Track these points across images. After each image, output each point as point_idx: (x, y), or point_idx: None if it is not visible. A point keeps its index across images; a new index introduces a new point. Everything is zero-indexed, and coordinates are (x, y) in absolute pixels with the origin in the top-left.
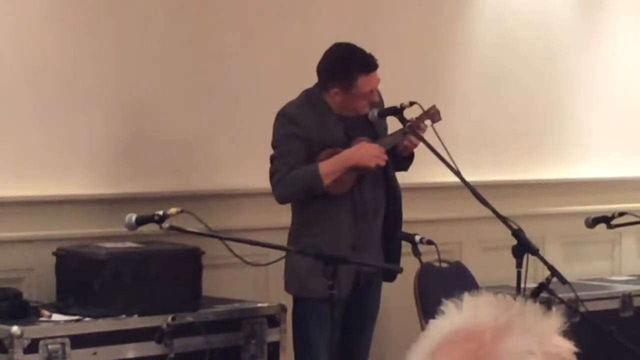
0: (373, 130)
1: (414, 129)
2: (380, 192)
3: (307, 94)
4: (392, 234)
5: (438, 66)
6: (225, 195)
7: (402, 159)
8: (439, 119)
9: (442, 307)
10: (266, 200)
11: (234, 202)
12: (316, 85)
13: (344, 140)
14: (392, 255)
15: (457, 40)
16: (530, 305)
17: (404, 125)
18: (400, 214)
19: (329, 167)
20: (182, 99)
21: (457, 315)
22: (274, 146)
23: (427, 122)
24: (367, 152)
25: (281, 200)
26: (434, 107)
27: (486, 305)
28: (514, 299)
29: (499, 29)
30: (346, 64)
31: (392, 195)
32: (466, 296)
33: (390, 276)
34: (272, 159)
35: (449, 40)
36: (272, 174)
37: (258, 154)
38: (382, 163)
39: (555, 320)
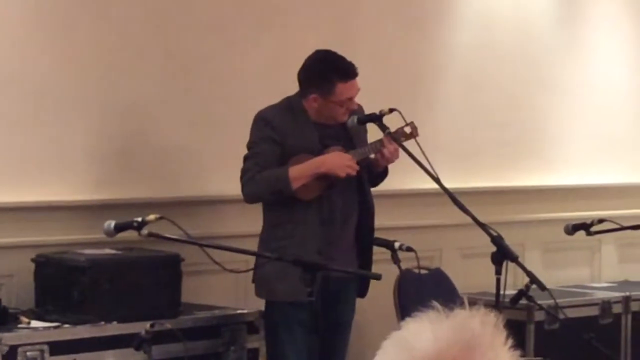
0: (350, 141)
1: (393, 138)
2: (351, 200)
3: (287, 100)
4: (363, 245)
5: (419, 73)
6: (205, 201)
7: (375, 174)
8: (417, 134)
9: (402, 329)
10: (246, 207)
11: (214, 208)
12: (297, 92)
13: (318, 148)
14: (363, 266)
15: (438, 47)
16: (489, 323)
17: (384, 131)
18: (371, 226)
19: (299, 172)
20: (163, 107)
21: (417, 342)
22: (248, 147)
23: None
24: (338, 161)
25: (248, 199)
26: (411, 123)
27: (445, 330)
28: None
29: (480, 35)
30: (325, 70)
31: (365, 206)
32: (427, 315)
33: (362, 292)
34: (245, 159)
35: (430, 46)
36: (243, 173)
37: (238, 160)
38: (353, 173)
39: (505, 336)
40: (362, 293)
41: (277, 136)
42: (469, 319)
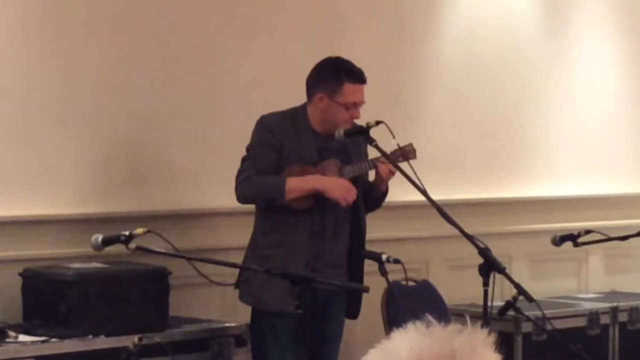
0: (347, 157)
1: (388, 159)
2: (343, 217)
3: (292, 109)
4: (353, 263)
5: (405, 85)
6: (193, 215)
7: (374, 198)
8: (414, 157)
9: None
10: (234, 220)
11: (201, 222)
12: (304, 103)
13: (315, 159)
14: (354, 280)
15: (424, 59)
16: (477, 334)
17: (370, 143)
18: (362, 244)
19: (295, 185)
20: (148, 120)
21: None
22: (247, 149)
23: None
24: (340, 189)
25: (241, 199)
26: (410, 145)
27: (432, 337)
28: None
29: (465, 48)
30: (336, 69)
31: (357, 224)
32: (412, 328)
33: (354, 313)
34: (243, 160)
35: (416, 59)
36: (239, 173)
37: (226, 173)
38: (349, 204)
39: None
40: (354, 314)
41: (276, 142)
42: (455, 333)
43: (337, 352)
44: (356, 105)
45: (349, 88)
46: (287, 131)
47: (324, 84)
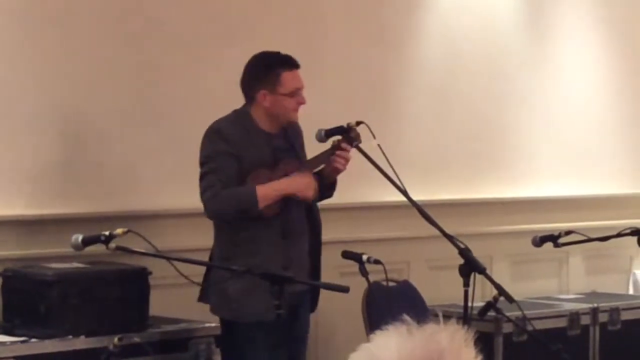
0: (295, 152)
1: (339, 146)
2: (302, 214)
3: (235, 113)
4: (314, 260)
5: (387, 86)
6: (172, 215)
7: (327, 185)
8: (360, 141)
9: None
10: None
11: (181, 222)
12: (244, 105)
13: (270, 160)
14: (314, 278)
15: (406, 60)
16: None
17: (351, 144)
18: (320, 240)
19: (266, 193)
20: (127, 120)
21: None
22: (203, 162)
23: (346, 146)
24: (307, 185)
25: (213, 216)
26: (354, 130)
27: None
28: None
29: (448, 49)
30: (268, 63)
31: (313, 221)
32: (395, 329)
33: (312, 307)
34: (204, 175)
35: (398, 59)
36: (205, 189)
37: None
38: (316, 193)
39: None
40: (312, 307)
41: (233, 150)
42: (437, 333)
43: (305, 352)
44: (299, 90)
45: (287, 76)
46: (240, 137)
47: (262, 81)
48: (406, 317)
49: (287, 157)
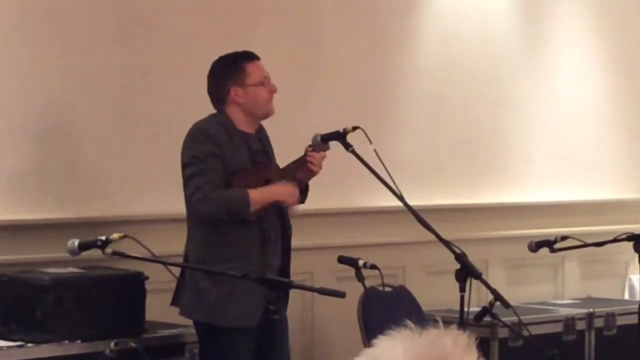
0: (267, 153)
1: (311, 151)
2: (276, 220)
3: (214, 115)
4: (284, 264)
5: (382, 90)
6: (169, 220)
7: (301, 190)
8: (328, 147)
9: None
10: None
11: (178, 227)
12: (217, 109)
13: (249, 162)
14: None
15: (402, 65)
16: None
17: (347, 149)
18: (290, 239)
19: (257, 199)
20: (124, 125)
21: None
22: (189, 162)
23: (312, 151)
24: (293, 193)
25: (205, 218)
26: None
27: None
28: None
29: (444, 53)
30: (229, 61)
31: (284, 220)
32: (399, 334)
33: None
34: (191, 176)
35: (394, 64)
36: (195, 190)
37: None
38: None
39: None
40: (285, 308)
41: (219, 152)
42: (441, 337)
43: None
44: (267, 79)
45: (251, 67)
46: (224, 138)
47: (229, 79)
48: (409, 322)
49: (262, 159)
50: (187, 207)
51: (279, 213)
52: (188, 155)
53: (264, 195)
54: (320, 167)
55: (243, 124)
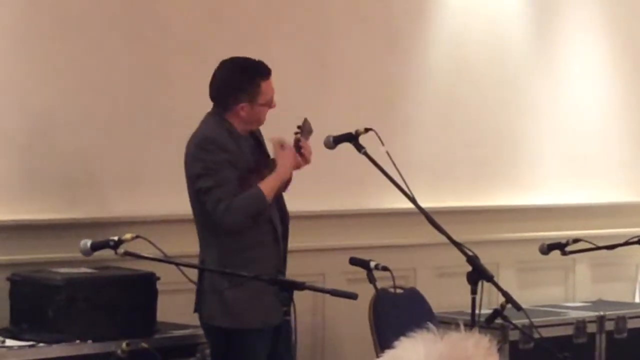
0: (262, 146)
1: (299, 140)
2: (278, 213)
3: (215, 118)
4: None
5: (394, 92)
6: (181, 220)
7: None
8: (311, 130)
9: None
10: None
11: (189, 227)
12: (216, 109)
13: (252, 163)
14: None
15: (413, 67)
16: (484, 342)
17: (360, 151)
18: (288, 229)
19: (268, 188)
20: (137, 125)
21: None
22: (202, 173)
23: (300, 137)
24: (290, 158)
25: (232, 229)
26: (305, 120)
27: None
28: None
29: (455, 55)
30: (245, 72)
31: (282, 210)
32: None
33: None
34: (210, 188)
35: (405, 66)
36: (217, 203)
37: None
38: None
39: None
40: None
41: (232, 159)
42: (463, 340)
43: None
44: (272, 97)
45: (265, 86)
46: (231, 144)
47: (243, 94)
48: (430, 325)
49: (258, 155)
50: (199, 216)
51: (277, 200)
52: (199, 167)
53: (272, 183)
54: (309, 157)
55: (239, 128)
